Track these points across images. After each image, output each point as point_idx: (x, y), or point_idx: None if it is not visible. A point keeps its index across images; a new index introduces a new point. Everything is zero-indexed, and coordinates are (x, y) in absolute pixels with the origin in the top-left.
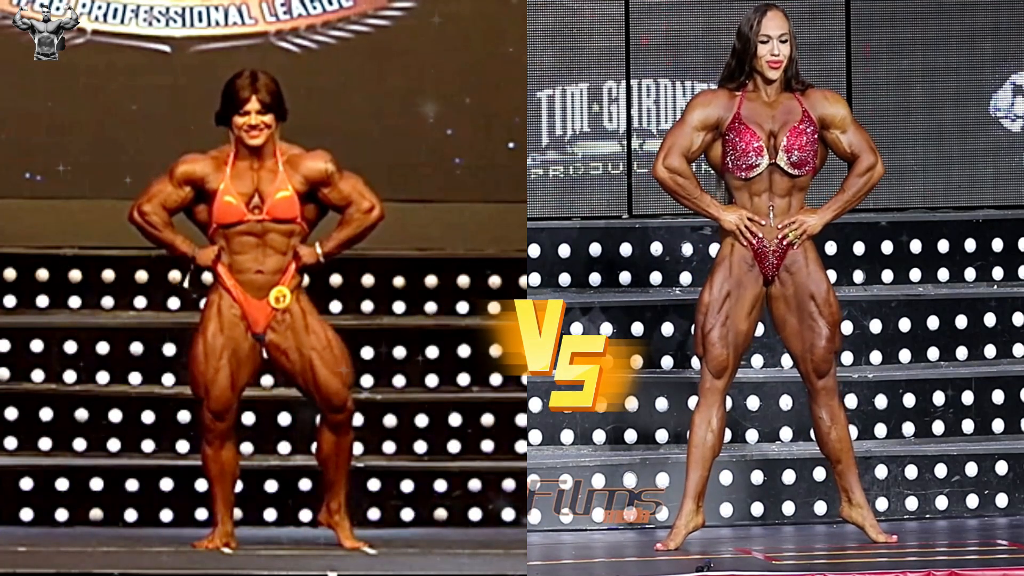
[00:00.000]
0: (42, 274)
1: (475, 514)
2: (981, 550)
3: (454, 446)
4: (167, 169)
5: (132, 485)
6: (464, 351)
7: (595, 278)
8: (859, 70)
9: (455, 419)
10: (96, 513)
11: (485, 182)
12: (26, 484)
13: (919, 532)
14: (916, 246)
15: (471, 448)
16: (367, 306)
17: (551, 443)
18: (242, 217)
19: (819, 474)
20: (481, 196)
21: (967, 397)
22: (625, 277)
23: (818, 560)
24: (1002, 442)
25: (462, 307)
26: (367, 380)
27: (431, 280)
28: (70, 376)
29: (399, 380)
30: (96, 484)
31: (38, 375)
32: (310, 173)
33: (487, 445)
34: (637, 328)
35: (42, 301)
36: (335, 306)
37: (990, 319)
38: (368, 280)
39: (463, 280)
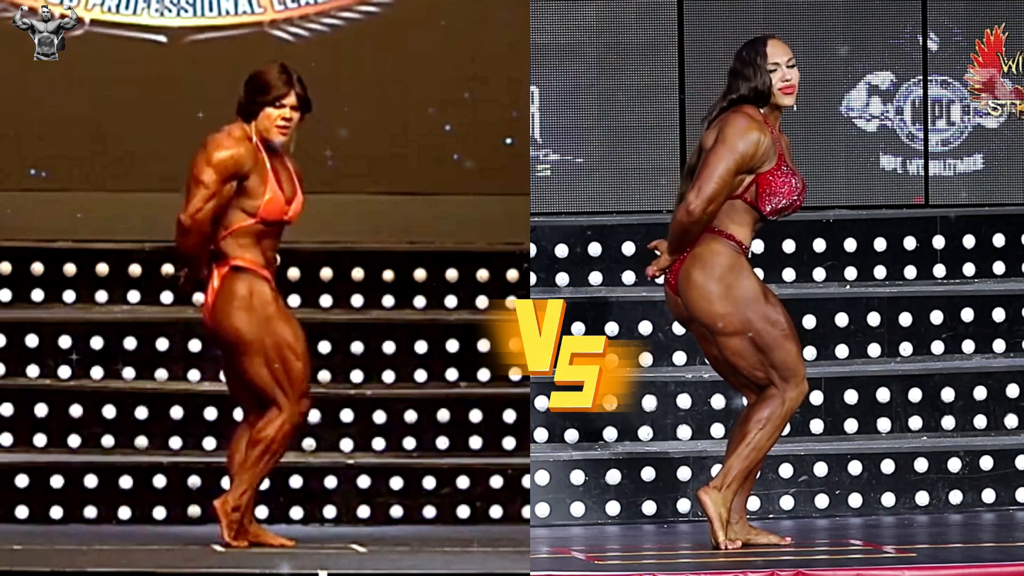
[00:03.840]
0: (37, 268)
1: (464, 511)
2: (831, 550)
3: (443, 442)
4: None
5: (126, 482)
6: (453, 346)
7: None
8: (692, 71)
9: (443, 415)
10: (90, 510)
11: (484, 176)
12: (21, 481)
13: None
14: (759, 246)
15: (460, 445)
16: (357, 300)
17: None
18: (283, 216)
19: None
20: (479, 190)
21: (816, 397)
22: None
23: (648, 560)
24: (855, 442)
25: (451, 301)
26: (357, 376)
27: (420, 274)
28: (64, 371)
29: (388, 376)
30: (90, 481)
31: (33, 370)
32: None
33: (476, 442)
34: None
35: (37, 295)
36: (325, 300)
37: (841, 319)
38: (358, 274)
39: (452, 274)
